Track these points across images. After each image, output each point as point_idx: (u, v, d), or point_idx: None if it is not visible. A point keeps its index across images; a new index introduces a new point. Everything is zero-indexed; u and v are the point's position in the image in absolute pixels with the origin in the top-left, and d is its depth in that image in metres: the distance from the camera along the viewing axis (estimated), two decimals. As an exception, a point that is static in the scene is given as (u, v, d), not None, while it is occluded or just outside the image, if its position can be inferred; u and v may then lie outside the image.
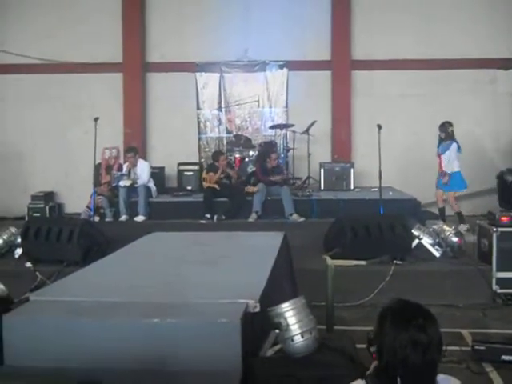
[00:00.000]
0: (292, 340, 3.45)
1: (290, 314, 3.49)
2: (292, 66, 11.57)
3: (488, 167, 10.58)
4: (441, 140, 9.42)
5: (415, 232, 6.81)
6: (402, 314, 2.25)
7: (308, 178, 10.46)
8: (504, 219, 6.18)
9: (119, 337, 3.18)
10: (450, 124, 9.32)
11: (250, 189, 8.97)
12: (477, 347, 4.62)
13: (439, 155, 9.38)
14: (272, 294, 3.85)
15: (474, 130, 11.21)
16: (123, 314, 3.39)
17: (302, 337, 3.46)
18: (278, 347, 3.62)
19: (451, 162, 9.18)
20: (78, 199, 10.36)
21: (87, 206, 9.23)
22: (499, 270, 6.09)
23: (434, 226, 7.29)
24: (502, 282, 6.09)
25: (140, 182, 9.33)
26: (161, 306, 3.46)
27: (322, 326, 4.79)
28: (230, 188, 9.18)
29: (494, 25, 11.38)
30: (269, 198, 9.06)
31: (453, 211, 9.37)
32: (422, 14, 11.41)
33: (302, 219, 8.73)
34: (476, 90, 11.42)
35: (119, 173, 9.35)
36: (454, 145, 9.20)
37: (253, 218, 8.76)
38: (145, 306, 3.46)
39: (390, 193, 9.72)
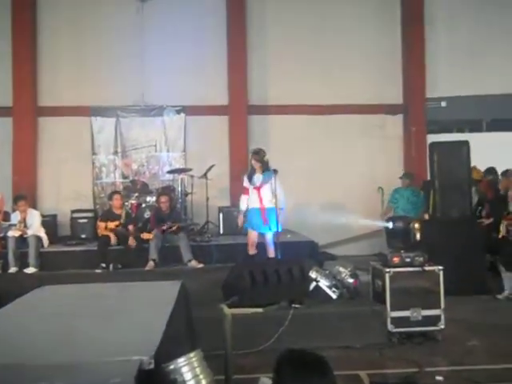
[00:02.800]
0: (189, 396, 3.34)
1: (186, 370, 3.38)
2: (189, 110, 11.67)
3: (376, 209, 10.96)
4: (252, 170, 8.13)
5: (312, 275, 6.86)
6: (301, 365, 2.24)
7: (207, 222, 10.42)
8: (395, 260, 6.39)
9: (1, 406, 2.94)
10: (264, 152, 8.13)
11: (145, 236, 8.78)
12: (374, 389, 4.68)
13: (257, 188, 7.99)
14: (169, 348, 3.71)
15: (365, 173, 11.68)
16: (7, 378, 3.13)
17: (199, 392, 3.35)
18: (174, 405, 3.48)
19: (279, 194, 7.94)
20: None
21: (-28, 259, 8.67)
22: (393, 309, 6.24)
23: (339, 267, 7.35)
24: (396, 322, 6.23)
25: (30, 231, 8.90)
26: (48, 368, 3.22)
27: (222, 377, 4.69)
28: (126, 235, 8.94)
29: (382, 72, 12.10)
30: (166, 245, 8.91)
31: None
32: (316, 62, 11.93)
33: (201, 265, 8.63)
34: (366, 134, 11.97)
35: (7, 223, 8.87)
36: (273, 176, 7.96)
37: (150, 266, 8.55)
38: (30, 369, 3.21)
39: (288, 235, 9.85)
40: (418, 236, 6.63)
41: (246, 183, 8.18)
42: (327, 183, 11.67)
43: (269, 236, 8.07)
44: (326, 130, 11.90)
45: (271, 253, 8.07)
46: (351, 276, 7.07)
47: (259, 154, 8.08)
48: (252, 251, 8.14)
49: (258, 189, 7.98)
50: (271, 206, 7.95)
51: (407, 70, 12.15)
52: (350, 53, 12.04)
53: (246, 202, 8.13)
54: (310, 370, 2.21)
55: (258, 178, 8.04)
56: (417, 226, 6.65)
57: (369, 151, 11.90)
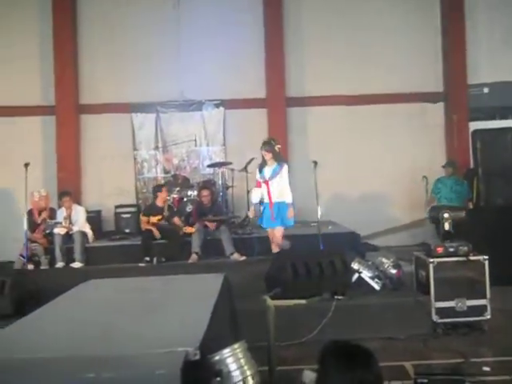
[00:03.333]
0: (234, 387, 3.38)
1: (231, 360, 3.42)
2: (228, 104, 11.70)
3: (420, 198, 10.80)
4: (264, 162, 7.83)
5: (355, 266, 6.86)
6: (346, 356, 2.24)
7: (248, 215, 10.44)
8: (439, 250, 6.31)
9: (53, 395, 3.02)
10: (275, 141, 7.84)
11: (187, 229, 8.87)
12: (419, 380, 4.63)
13: (266, 182, 7.72)
14: (213, 340, 3.75)
15: (406, 163, 11.52)
16: (57, 370, 3.22)
17: (244, 383, 3.38)
18: (219, 395, 3.52)
19: (286, 188, 7.71)
20: (11, 247, 9.99)
21: (20, 254, 8.89)
22: (438, 300, 6.18)
23: (382, 258, 7.31)
24: (441, 312, 6.17)
25: (75, 228, 9.10)
26: (96, 359, 3.30)
27: (265, 368, 4.72)
28: (168, 229, 9.05)
29: (421, 60, 11.88)
30: (208, 238, 8.99)
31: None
32: (354, 51, 11.79)
33: (243, 258, 8.67)
34: (407, 123, 11.81)
35: (53, 221, 9.08)
36: (286, 167, 7.78)
37: (193, 259, 8.64)
38: (80, 361, 3.30)
39: (330, 227, 9.81)
40: (446, 226, 6.52)
41: (257, 176, 7.96)
42: (368, 174, 11.56)
43: (277, 231, 7.77)
44: (365, 119, 11.77)
45: (274, 247, 7.82)
46: (394, 266, 7.02)
47: (269, 143, 7.73)
48: (275, 249, 7.88)
49: (267, 182, 7.69)
50: (280, 200, 7.68)
51: (447, 56, 11.90)
52: (389, 41, 11.85)
53: (259, 195, 7.88)
54: (354, 362, 2.20)
55: (268, 171, 7.74)
56: (446, 215, 6.53)
57: (409, 140, 11.73)
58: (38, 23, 11.69)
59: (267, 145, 7.70)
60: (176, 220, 9.19)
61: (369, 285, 6.81)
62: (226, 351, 3.44)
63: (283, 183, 7.67)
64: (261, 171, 7.81)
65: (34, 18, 11.72)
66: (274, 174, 7.66)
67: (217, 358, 3.42)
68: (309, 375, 3.44)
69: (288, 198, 7.65)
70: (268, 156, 7.69)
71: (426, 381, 4.61)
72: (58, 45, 11.48)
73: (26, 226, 8.89)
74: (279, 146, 7.80)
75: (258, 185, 7.86)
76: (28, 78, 11.51)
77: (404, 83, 11.73)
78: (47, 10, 11.48)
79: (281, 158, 7.78)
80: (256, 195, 7.90)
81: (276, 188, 7.65)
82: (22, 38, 11.58)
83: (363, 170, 11.55)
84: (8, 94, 11.34)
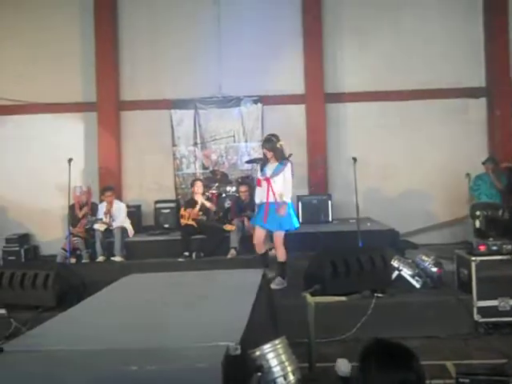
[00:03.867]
0: (275, 383, 3.38)
1: (272, 356, 3.44)
2: (266, 100, 11.67)
3: (461, 196, 10.61)
4: (265, 160, 7.19)
5: (394, 264, 6.79)
6: (387, 356, 2.20)
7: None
8: (482, 248, 6.20)
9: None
10: (277, 138, 7.08)
11: (227, 227, 8.91)
12: (461, 379, 4.55)
13: (267, 179, 7.06)
14: (253, 335, 3.77)
15: (447, 160, 11.33)
16: (101, 362, 3.27)
17: (285, 379, 3.40)
18: (260, 391, 3.54)
19: (287, 185, 7.05)
20: (53, 241, 10.22)
21: (63, 248, 9.07)
22: (480, 299, 6.09)
23: (422, 256, 7.22)
24: (483, 311, 6.08)
25: (115, 223, 9.24)
26: (139, 352, 3.35)
27: (305, 364, 4.72)
28: (208, 225, 9.11)
29: (462, 54, 11.62)
30: (247, 234, 9.01)
31: (278, 259, 7.18)
32: (394, 47, 11.62)
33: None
34: (448, 119, 11.57)
35: (94, 217, 9.23)
36: (289, 165, 7.07)
37: (232, 254, 8.69)
38: (123, 354, 3.35)
39: (368, 224, 9.73)
40: (477, 224, 6.41)
41: (258, 174, 7.44)
42: (406, 170, 11.42)
43: (278, 236, 7.13)
44: (405, 115, 11.58)
45: (279, 256, 7.16)
46: (435, 265, 6.93)
47: (270, 141, 7.06)
48: (259, 250, 7.28)
49: (268, 180, 7.05)
50: (280, 201, 7.00)
51: (490, 50, 11.59)
52: (429, 36, 11.61)
53: (260, 195, 7.27)
54: (395, 362, 2.16)
55: (270, 168, 7.10)
56: (478, 213, 6.43)
57: (451, 136, 11.50)
58: (80, 20, 11.82)
59: (268, 143, 7.09)
60: (210, 205, 9.31)
61: (409, 283, 6.74)
62: (267, 347, 3.46)
63: (285, 182, 7.04)
64: (262, 169, 7.23)
65: (75, 15, 11.84)
66: (277, 172, 7.01)
67: (257, 353, 3.44)
68: (342, 363, 3.41)
69: (286, 198, 7.04)
70: (269, 154, 7.06)
71: (467, 381, 4.53)
72: (100, 41, 11.58)
73: (68, 220, 9.07)
74: (281, 142, 7.11)
75: (259, 183, 7.31)
76: (70, 75, 11.66)
77: (445, 78, 11.50)
78: (89, 8, 11.63)
79: (283, 156, 7.10)
80: (258, 195, 7.34)
81: (278, 187, 7.01)
82: (64, 36, 11.71)
83: (402, 166, 11.41)
84: (51, 92, 11.51)
